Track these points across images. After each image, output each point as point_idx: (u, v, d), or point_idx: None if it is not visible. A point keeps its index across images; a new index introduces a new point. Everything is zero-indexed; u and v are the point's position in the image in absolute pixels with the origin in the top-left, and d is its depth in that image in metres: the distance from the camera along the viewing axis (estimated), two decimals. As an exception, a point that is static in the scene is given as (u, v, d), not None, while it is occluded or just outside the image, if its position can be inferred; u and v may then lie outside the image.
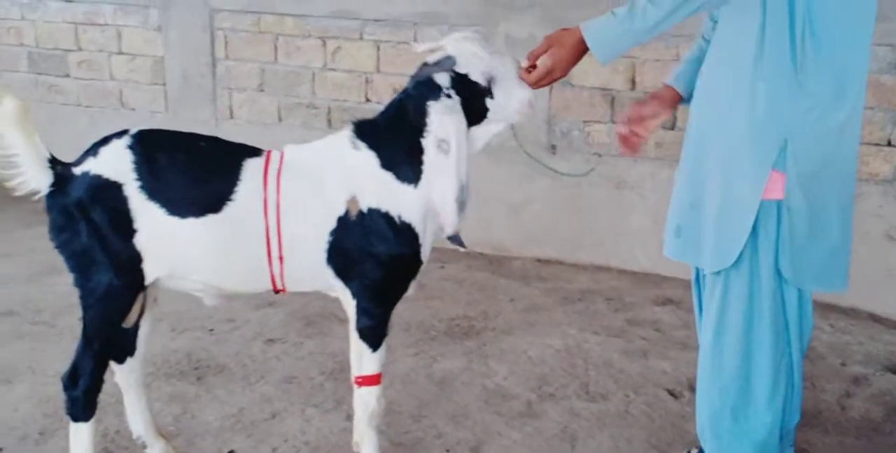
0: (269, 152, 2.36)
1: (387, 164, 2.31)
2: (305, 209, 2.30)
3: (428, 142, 2.27)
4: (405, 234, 2.33)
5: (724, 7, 2.20)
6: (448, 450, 2.72)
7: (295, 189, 2.29)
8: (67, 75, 5.55)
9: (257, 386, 3.21)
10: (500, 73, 2.27)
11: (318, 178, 2.32)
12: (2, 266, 4.42)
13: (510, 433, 2.93)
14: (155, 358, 3.34)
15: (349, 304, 2.39)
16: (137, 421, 2.63)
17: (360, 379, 2.44)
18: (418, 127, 2.27)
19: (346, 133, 2.36)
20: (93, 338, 2.32)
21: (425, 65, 2.31)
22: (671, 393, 3.22)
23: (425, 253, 2.40)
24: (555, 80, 2.28)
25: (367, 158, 2.32)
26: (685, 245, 2.38)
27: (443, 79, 2.25)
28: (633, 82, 4.33)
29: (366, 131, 2.35)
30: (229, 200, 2.26)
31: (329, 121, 4.95)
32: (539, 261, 4.64)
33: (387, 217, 2.30)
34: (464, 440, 2.88)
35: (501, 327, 3.79)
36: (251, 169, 2.29)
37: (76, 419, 2.38)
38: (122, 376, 2.57)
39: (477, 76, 2.26)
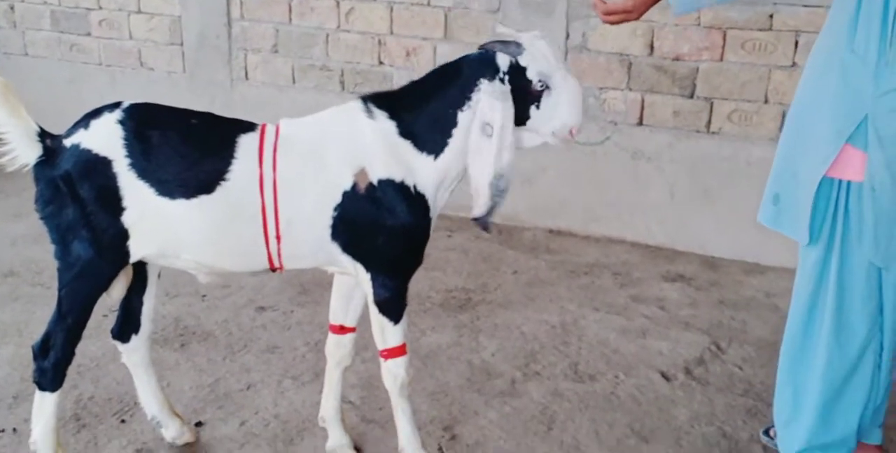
0: (263, 126, 2.27)
1: (406, 133, 2.22)
2: (304, 185, 2.20)
3: (465, 116, 2.18)
4: (418, 205, 2.23)
5: None
6: (419, 429, 2.63)
7: (292, 164, 2.20)
8: (89, 34, 5.52)
9: (239, 355, 3.17)
10: (557, 85, 2.16)
11: (318, 152, 2.22)
12: (13, 226, 4.44)
13: (487, 412, 2.84)
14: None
15: (364, 279, 2.30)
16: (149, 400, 2.57)
17: (385, 353, 2.36)
18: (459, 97, 2.19)
19: (355, 104, 2.26)
20: (67, 312, 2.27)
21: (493, 41, 2.21)
22: (664, 376, 3.09)
23: (433, 223, 2.32)
24: (626, 21, 2.20)
25: (383, 127, 2.22)
26: (781, 214, 2.34)
27: (503, 61, 2.16)
28: (652, 47, 4.13)
29: (384, 101, 2.25)
30: (223, 179, 2.17)
31: (342, 83, 4.84)
32: (551, 232, 4.50)
33: (401, 187, 2.20)
34: (438, 418, 2.80)
35: (499, 301, 3.68)
36: (246, 145, 2.20)
37: (42, 388, 2.34)
38: (128, 356, 2.52)
39: (533, 75, 2.15)
